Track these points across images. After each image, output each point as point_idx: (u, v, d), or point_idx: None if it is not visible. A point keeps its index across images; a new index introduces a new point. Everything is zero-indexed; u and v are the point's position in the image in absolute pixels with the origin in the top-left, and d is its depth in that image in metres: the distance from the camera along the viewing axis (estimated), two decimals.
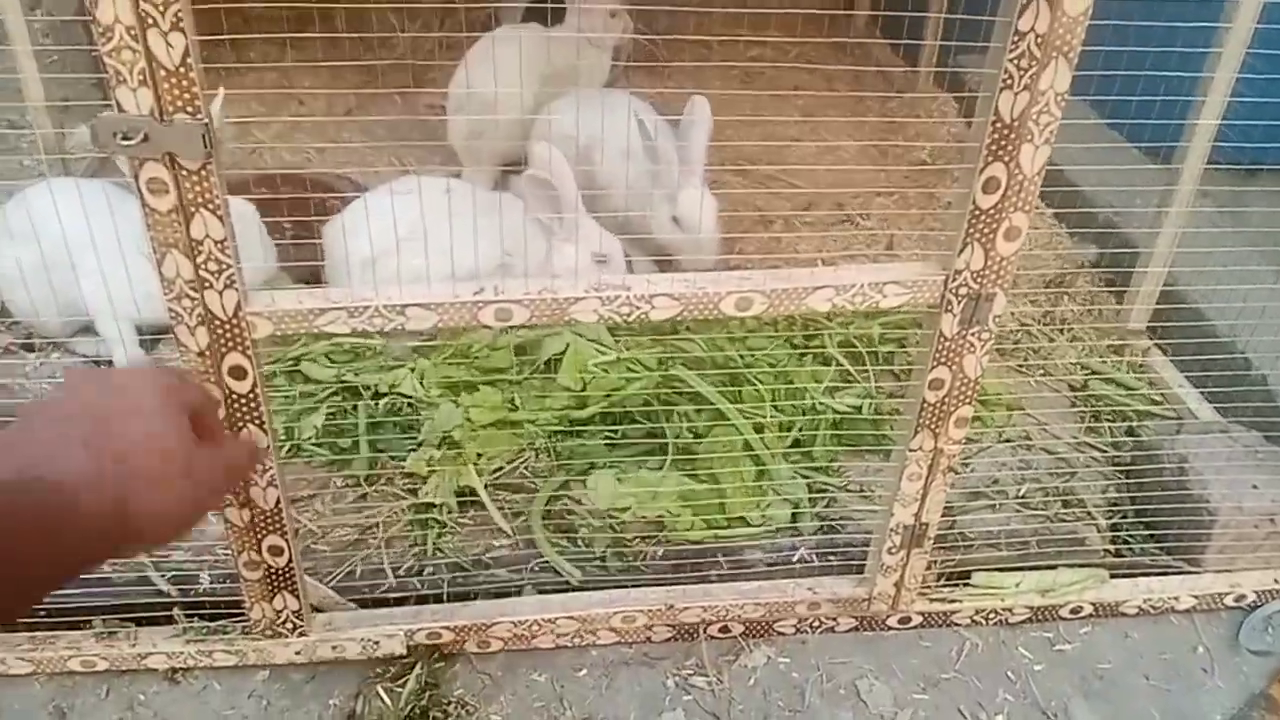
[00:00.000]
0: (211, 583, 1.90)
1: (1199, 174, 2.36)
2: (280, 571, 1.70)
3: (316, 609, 1.86)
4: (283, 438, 2.18)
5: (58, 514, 0.63)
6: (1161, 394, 2.45)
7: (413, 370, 2.34)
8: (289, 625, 1.79)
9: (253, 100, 3.61)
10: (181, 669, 1.86)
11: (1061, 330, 2.63)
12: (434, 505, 2.04)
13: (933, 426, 1.64)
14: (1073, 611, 2.00)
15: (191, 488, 0.72)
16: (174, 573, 1.90)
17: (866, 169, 3.42)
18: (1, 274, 2.36)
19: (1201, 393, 2.40)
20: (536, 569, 1.97)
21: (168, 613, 1.87)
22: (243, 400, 1.47)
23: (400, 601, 1.91)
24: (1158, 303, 2.57)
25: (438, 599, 1.92)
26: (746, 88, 3.91)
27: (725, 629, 1.95)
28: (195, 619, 1.87)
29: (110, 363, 2.38)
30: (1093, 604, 1.99)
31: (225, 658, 1.85)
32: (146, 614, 1.85)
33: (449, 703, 1.83)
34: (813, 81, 3.86)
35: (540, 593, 1.94)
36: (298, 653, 1.84)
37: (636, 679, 1.89)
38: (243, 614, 1.79)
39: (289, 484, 2.05)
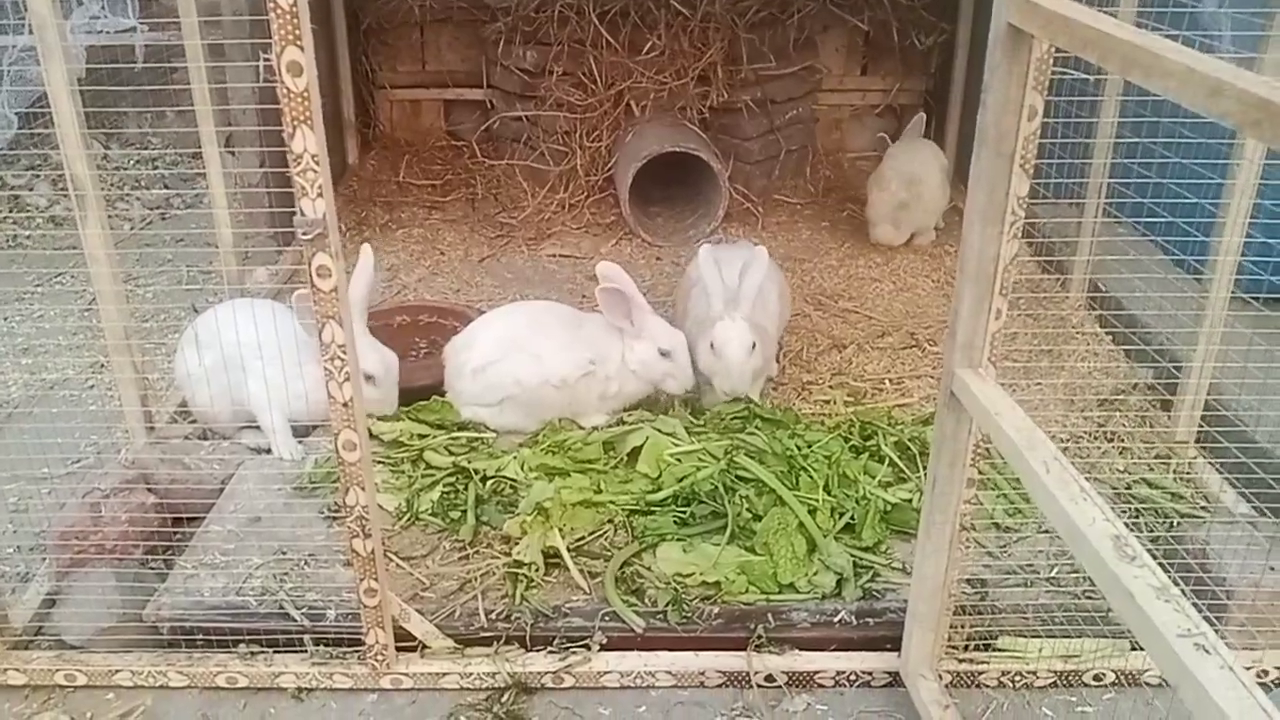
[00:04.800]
0: (336, 619, 2.26)
1: (1226, 299, 2.59)
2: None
3: (422, 644, 2.22)
4: (404, 509, 2.57)
5: None
6: (1204, 495, 2.60)
7: (515, 458, 2.73)
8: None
9: (401, 250, 4.23)
10: (307, 689, 2.21)
11: (1110, 441, 2.82)
12: (524, 563, 2.37)
13: None
14: (1096, 679, 2.15)
15: None
16: (307, 608, 2.28)
17: (939, 305, 3.72)
18: (188, 375, 2.89)
19: (1239, 493, 2.55)
20: (607, 619, 2.27)
21: (301, 646, 2.25)
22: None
23: (491, 640, 2.24)
24: (1203, 416, 2.75)
25: (522, 641, 2.25)
26: (832, 238, 4.32)
27: (770, 678, 2.18)
28: (321, 646, 2.24)
29: (269, 452, 2.85)
30: (1115, 672, 2.14)
31: (343, 680, 2.20)
32: (284, 635, 2.23)
33: None
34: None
35: (608, 639, 2.24)
36: (403, 677, 2.18)
37: (689, 717, 2.14)
38: (360, 644, 2.16)
39: (406, 545, 2.45)
